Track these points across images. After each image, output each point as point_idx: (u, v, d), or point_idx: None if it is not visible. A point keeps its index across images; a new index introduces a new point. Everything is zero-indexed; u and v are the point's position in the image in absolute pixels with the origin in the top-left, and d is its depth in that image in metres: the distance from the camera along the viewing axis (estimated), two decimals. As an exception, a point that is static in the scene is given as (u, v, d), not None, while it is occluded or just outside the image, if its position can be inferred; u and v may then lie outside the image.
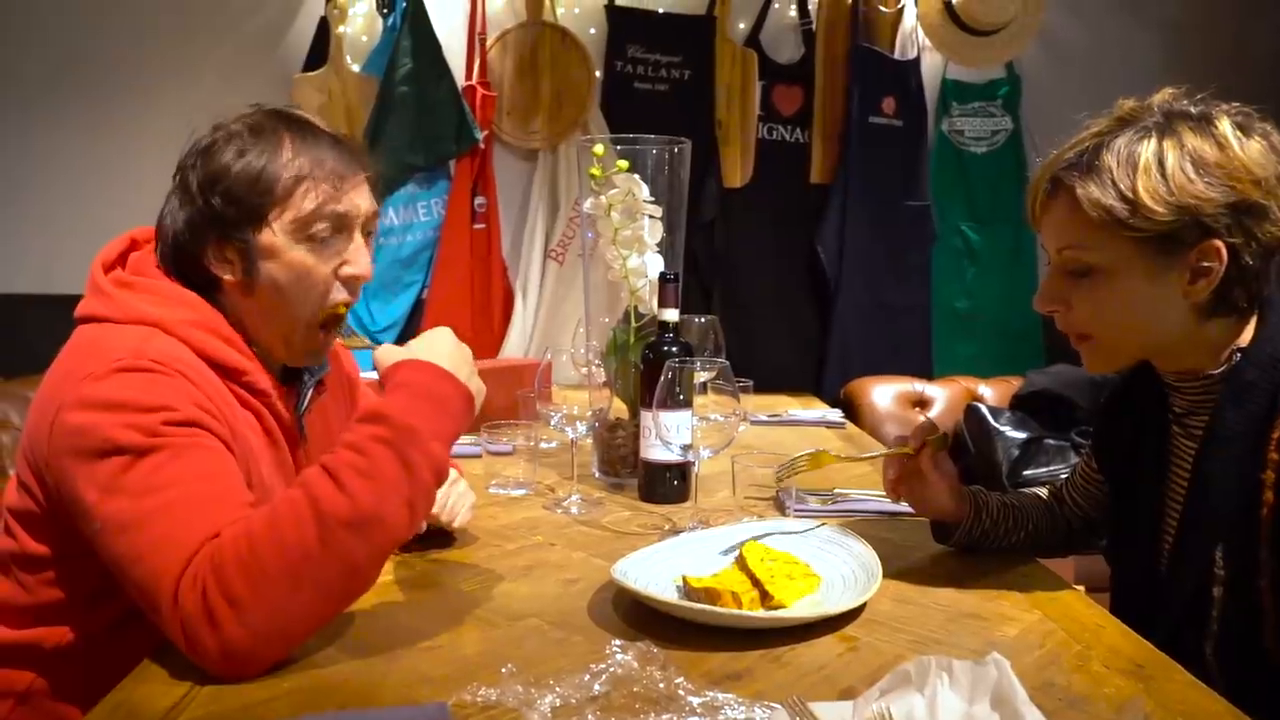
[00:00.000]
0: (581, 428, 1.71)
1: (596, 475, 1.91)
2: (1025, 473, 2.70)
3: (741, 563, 1.30)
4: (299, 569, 0.98)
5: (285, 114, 1.27)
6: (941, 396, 3.16)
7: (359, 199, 1.28)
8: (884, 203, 3.47)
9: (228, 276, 1.24)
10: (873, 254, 3.48)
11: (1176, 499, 1.27)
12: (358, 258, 1.28)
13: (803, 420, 2.59)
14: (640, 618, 1.17)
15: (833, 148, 3.48)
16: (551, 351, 1.89)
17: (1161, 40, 3.60)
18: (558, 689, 0.95)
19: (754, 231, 3.46)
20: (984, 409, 2.92)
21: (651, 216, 1.86)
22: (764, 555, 1.31)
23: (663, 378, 1.49)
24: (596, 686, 0.96)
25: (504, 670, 0.99)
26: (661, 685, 0.97)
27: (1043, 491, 1.58)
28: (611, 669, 0.99)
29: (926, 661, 0.94)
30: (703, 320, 2.36)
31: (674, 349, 1.71)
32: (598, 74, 3.42)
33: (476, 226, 3.30)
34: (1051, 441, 2.78)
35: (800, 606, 1.21)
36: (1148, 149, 1.13)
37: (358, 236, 1.29)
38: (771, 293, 3.50)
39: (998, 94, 3.59)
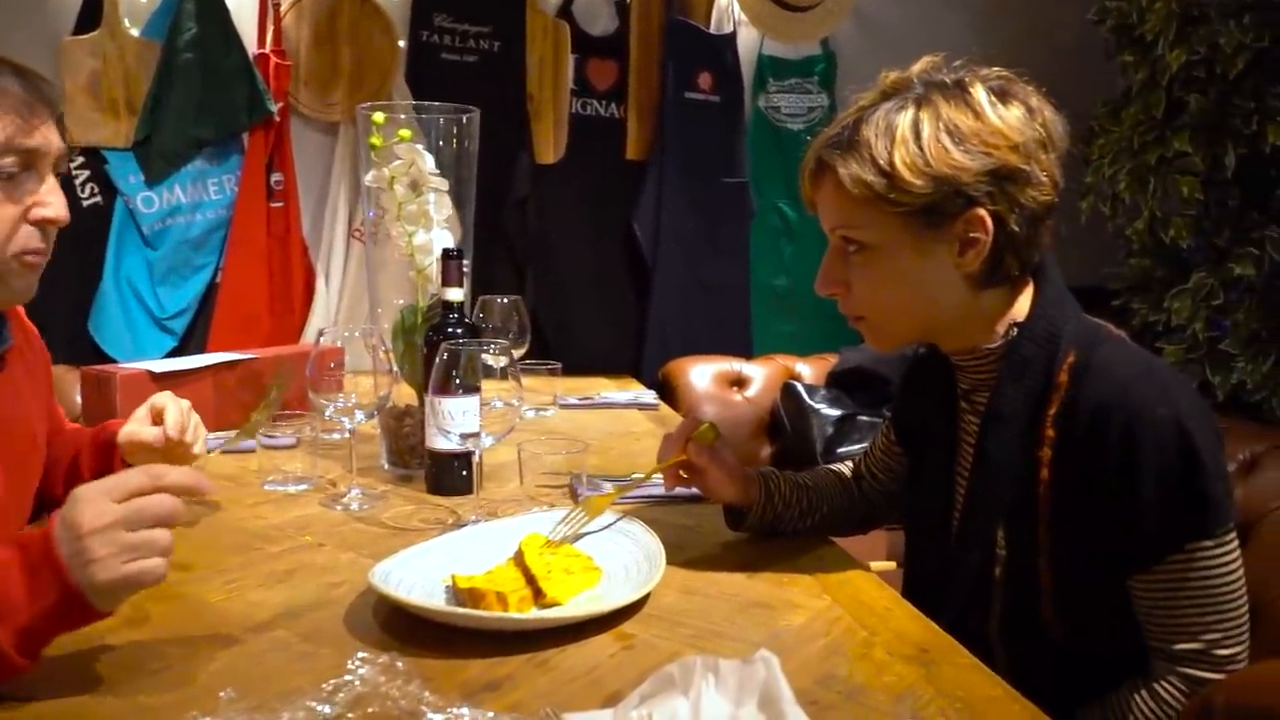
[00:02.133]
0: (361, 417, 1.58)
1: (386, 467, 1.79)
2: (839, 450, 2.69)
3: (519, 558, 1.21)
4: None
5: None
6: (760, 375, 3.13)
7: (50, 135, 1.16)
8: (701, 179, 3.41)
9: None
10: (690, 231, 3.42)
11: (964, 478, 1.24)
12: (51, 199, 1.17)
13: (614, 403, 2.51)
14: (402, 625, 1.07)
15: (648, 123, 3.40)
16: (337, 336, 1.74)
17: (969, 21, 3.65)
18: (284, 714, 0.84)
19: (568, 209, 3.35)
20: (800, 387, 2.91)
21: (437, 190, 1.75)
22: (544, 548, 1.22)
23: (436, 360, 1.38)
24: (327, 708, 0.85)
25: (222, 696, 0.86)
26: (403, 702, 0.86)
27: (844, 468, 1.54)
28: (350, 686, 0.88)
29: (692, 662, 0.86)
30: (505, 301, 2.26)
31: (459, 330, 1.60)
32: (402, 44, 3.24)
33: (273, 204, 3.09)
34: (865, 418, 2.79)
35: (576, 604, 1.12)
36: (904, 121, 1.10)
37: (50, 178, 1.18)
38: (588, 272, 3.41)
39: (814, 71, 3.58)
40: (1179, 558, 1.05)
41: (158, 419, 1.47)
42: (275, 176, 3.10)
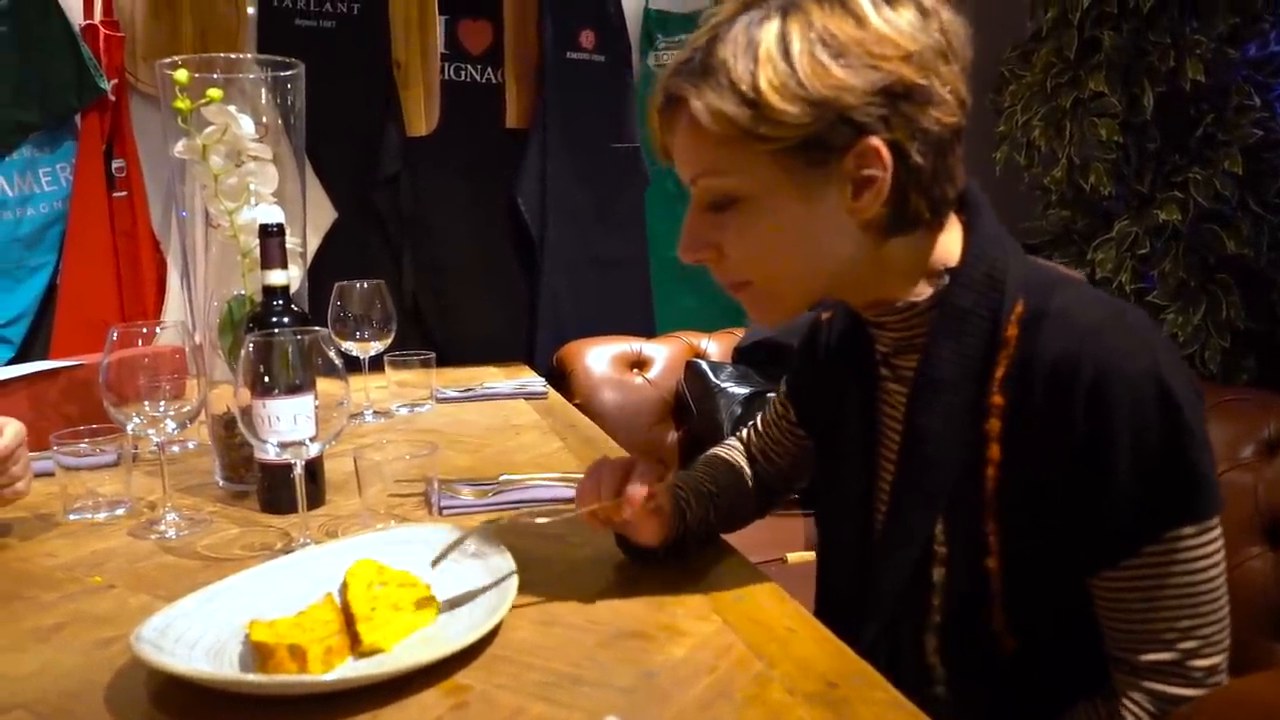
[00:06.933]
0: (172, 427, 1.33)
1: (220, 484, 1.54)
2: (749, 430, 2.50)
3: (343, 591, 0.98)
4: None
5: None
6: (661, 355, 2.92)
7: None
8: (588, 146, 3.19)
9: None
10: (579, 203, 3.19)
11: (890, 460, 1.03)
12: None
13: (498, 393, 2.28)
14: (178, 694, 0.84)
15: (529, 88, 3.16)
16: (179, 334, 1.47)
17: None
18: None
19: (446, 185, 3.09)
20: (704, 365, 2.71)
21: (259, 159, 1.51)
22: (374, 578, 1.00)
23: (242, 354, 1.14)
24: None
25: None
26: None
27: (735, 454, 1.34)
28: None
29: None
30: (366, 286, 2.02)
31: (284, 320, 1.36)
32: (251, 10, 2.95)
33: (117, 194, 2.79)
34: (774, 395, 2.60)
35: (404, 649, 0.90)
36: (769, 35, 0.86)
37: None
38: (472, 253, 3.14)
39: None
40: (1157, 549, 0.86)
41: None
42: (116, 163, 2.79)
